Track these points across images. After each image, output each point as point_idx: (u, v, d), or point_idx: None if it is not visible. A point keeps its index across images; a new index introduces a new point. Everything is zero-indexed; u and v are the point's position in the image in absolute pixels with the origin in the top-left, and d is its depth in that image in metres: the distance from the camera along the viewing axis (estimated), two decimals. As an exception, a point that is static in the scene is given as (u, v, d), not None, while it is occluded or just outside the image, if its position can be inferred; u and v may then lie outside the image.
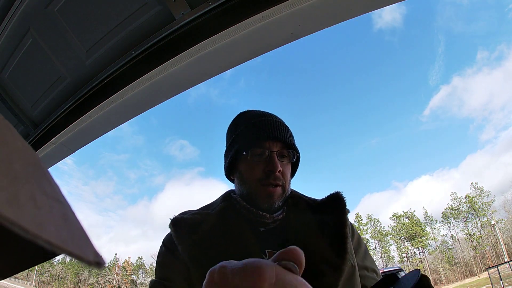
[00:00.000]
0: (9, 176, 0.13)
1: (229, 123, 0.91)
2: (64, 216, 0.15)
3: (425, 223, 46.92)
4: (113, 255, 56.11)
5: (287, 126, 0.85)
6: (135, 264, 55.36)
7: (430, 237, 45.70)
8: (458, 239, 44.69)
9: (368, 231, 48.12)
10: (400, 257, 46.39)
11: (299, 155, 0.84)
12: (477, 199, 43.78)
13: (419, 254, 46.07)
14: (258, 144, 0.78)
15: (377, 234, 47.67)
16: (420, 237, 45.37)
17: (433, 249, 45.79)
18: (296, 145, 0.83)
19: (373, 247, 47.45)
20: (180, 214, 0.82)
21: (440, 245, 45.54)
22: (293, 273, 0.26)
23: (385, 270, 7.70)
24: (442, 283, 41.89)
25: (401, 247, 46.52)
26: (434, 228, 46.54)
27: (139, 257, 56.36)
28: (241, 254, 0.71)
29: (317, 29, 1.19)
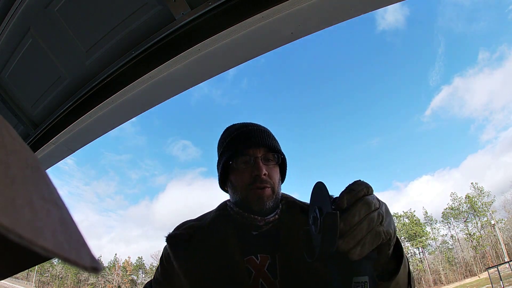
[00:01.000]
0: (6, 180, 0.13)
1: (228, 125, 0.95)
2: (61, 220, 0.15)
3: (425, 223, 46.91)
4: (113, 255, 56.22)
5: (269, 132, 0.90)
6: (135, 264, 55.36)
7: (430, 237, 45.69)
8: (458, 239, 44.67)
9: (368, 231, 47.96)
10: (400, 257, 46.25)
11: (284, 157, 0.88)
12: (477, 199, 43.75)
13: (419, 254, 46.06)
14: (243, 152, 0.83)
15: (377, 234, 47.52)
16: (420, 237, 45.36)
17: (433, 249, 45.78)
18: (280, 149, 0.88)
19: (373, 247, 47.26)
20: (174, 230, 0.88)
21: (440, 245, 45.53)
22: None
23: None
24: (442, 283, 41.90)
25: (401, 247, 46.41)
26: (434, 228, 46.55)
27: (139, 257, 56.39)
28: (227, 261, 0.74)
29: (317, 29, 1.18)
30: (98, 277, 52.39)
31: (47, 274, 52.91)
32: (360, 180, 0.53)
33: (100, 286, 53.24)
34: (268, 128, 0.91)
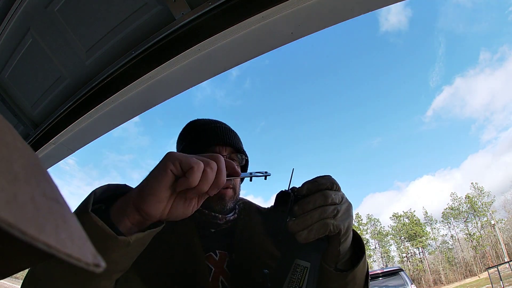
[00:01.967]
0: (9, 176, 0.13)
1: (193, 119, 0.94)
2: (63, 217, 0.15)
3: (425, 223, 46.90)
4: (113, 255, 56.13)
5: (235, 131, 0.89)
6: (135, 264, 55.34)
7: (430, 237, 45.68)
8: (458, 239, 44.67)
9: (368, 231, 48.09)
10: (400, 257, 46.34)
11: (248, 158, 0.89)
12: (477, 199, 43.76)
13: (419, 254, 46.04)
14: (208, 150, 0.81)
15: (377, 234, 47.65)
16: (420, 237, 45.35)
17: (433, 249, 45.76)
18: (244, 149, 0.88)
19: (373, 247, 47.40)
20: None
21: (440, 245, 45.51)
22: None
23: (385, 270, 7.67)
24: (442, 283, 41.87)
25: (401, 247, 46.49)
26: (434, 228, 46.54)
27: (139, 257, 56.35)
28: (187, 258, 0.72)
29: (317, 29, 1.19)
30: (98, 278, 52.29)
31: (47, 275, 52.87)
32: (328, 175, 0.58)
33: (100, 287, 53.20)
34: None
